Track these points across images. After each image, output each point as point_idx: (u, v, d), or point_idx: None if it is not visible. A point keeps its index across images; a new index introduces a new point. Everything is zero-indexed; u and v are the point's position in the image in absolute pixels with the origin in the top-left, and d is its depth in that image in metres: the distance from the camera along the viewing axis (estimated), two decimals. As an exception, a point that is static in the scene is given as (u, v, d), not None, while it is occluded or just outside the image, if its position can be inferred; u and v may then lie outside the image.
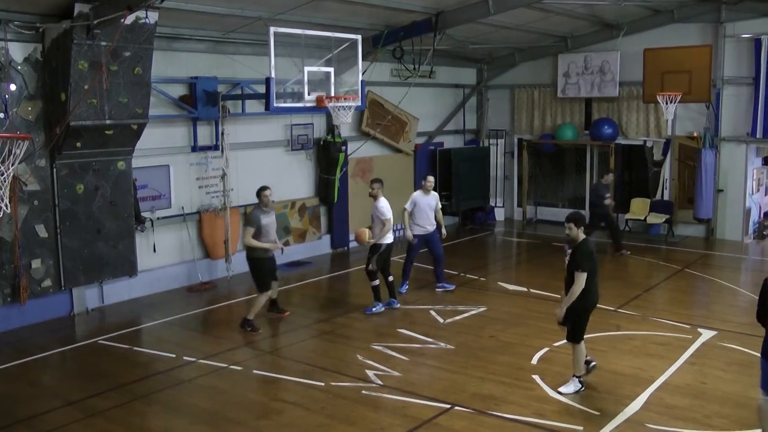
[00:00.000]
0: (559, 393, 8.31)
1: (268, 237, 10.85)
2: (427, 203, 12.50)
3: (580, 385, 8.37)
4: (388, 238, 11.61)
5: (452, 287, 12.85)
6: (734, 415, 7.77)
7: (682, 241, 16.99)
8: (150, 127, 11.46)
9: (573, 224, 8.25)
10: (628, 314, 11.39)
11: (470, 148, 19.79)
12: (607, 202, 15.65)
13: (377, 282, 11.56)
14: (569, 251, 8.35)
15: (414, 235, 12.44)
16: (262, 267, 10.81)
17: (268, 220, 10.88)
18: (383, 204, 11.58)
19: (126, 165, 11.52)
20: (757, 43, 16.04)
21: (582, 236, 8.27)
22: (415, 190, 13.16)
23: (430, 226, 12.60)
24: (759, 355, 8.52)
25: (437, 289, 12.75)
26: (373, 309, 11.54)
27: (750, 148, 16.80)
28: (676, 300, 12.61)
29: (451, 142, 19.59)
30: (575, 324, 8.31)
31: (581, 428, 7.47)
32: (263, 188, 10.93)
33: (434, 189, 12.66)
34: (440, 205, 12.85)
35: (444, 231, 12.96)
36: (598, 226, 15.74)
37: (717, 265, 14.97)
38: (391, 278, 11.79)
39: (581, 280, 8.07)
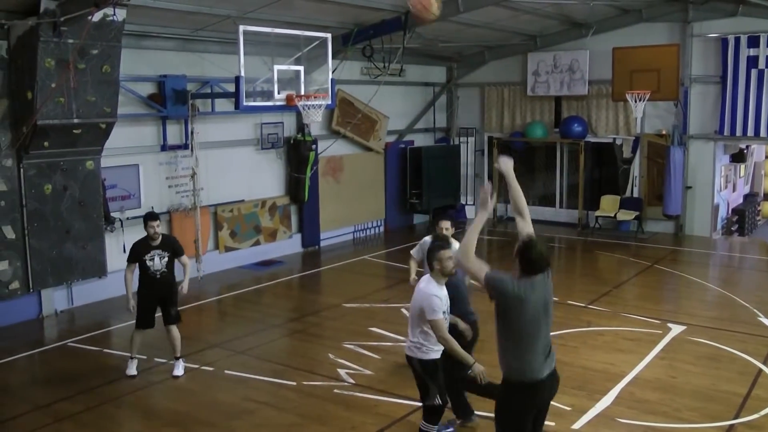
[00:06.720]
0: None
1: None
2: None
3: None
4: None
5: None
6: (703, 408, 7.86)
7: (652, 238, 17.14)
8: (119, 126, 11.31)
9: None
10: (598, 310, 11.48)
11: (440, 147, 19.80)
12: None
13: None
14: None
15: None
16: None
17: None
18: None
19: (95, 164, 11.36)
20: (724, 42, 16.22)
21: None
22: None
23: None
24: (727, 348, 8.52)
25: None
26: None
27: (717, 145, 17.01)
28: (645, 295, 12.70)
29: (421, 140, 19.56)
30: None
31: (553, 424, 7.48)
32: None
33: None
34: None
35: None
36: None
37: (686, 261, 15.13)
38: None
39: None
